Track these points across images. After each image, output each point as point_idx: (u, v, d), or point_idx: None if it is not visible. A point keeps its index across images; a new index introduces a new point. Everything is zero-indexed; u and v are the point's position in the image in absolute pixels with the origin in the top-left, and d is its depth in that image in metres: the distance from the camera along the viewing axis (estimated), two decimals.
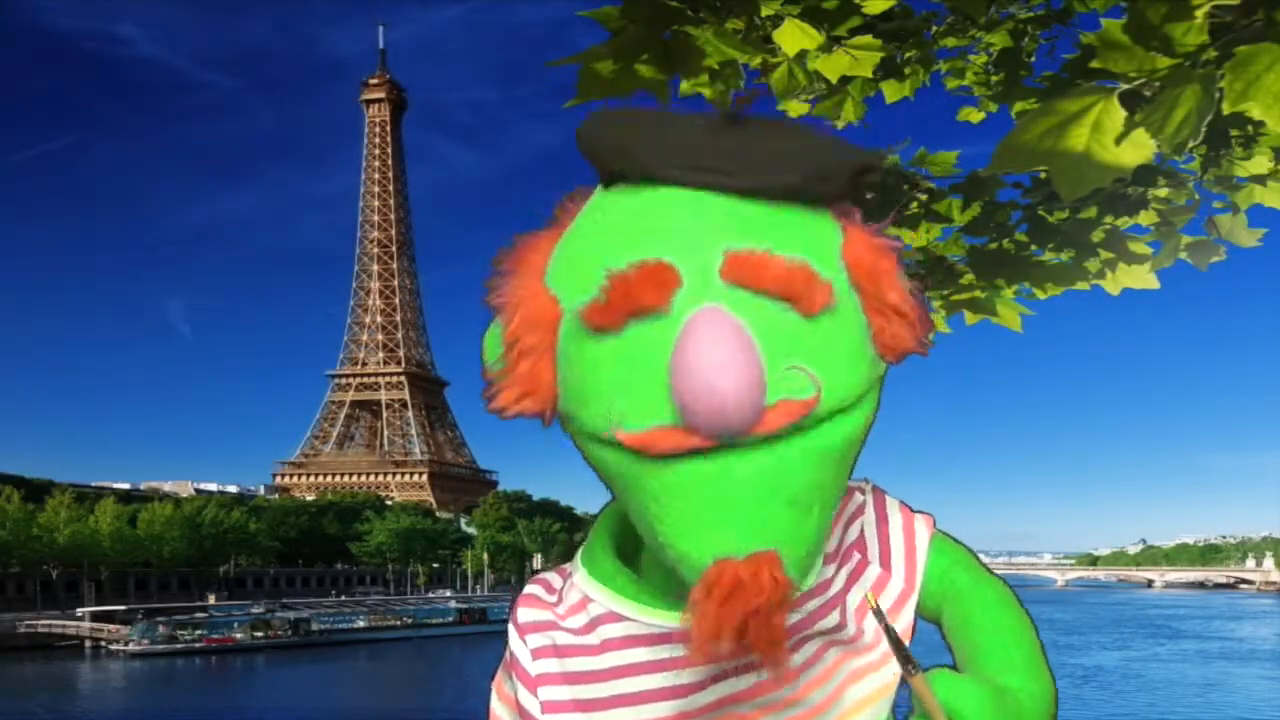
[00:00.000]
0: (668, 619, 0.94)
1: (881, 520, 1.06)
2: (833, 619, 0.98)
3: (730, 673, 0.95)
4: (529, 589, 1.08)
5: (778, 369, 0.79)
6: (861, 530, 1.05)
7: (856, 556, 1.04)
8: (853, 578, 1.02)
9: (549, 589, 1.07)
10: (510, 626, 1.05)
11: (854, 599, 1.01)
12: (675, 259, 0.81)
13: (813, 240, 0.84)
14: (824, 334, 0.83)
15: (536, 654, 1.01)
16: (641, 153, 0.85)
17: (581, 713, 0.98)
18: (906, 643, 1.02)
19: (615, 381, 0.83)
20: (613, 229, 0.86)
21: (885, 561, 1.04)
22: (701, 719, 0.97)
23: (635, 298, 0.80)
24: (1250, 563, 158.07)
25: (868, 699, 1.01)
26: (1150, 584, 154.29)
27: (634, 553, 1.02)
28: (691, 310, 0.79)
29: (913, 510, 1.09)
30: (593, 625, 1.00)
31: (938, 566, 1.05)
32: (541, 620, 1.03)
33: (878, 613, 0.91)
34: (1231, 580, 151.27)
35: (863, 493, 1.07)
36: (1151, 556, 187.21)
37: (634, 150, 0.85)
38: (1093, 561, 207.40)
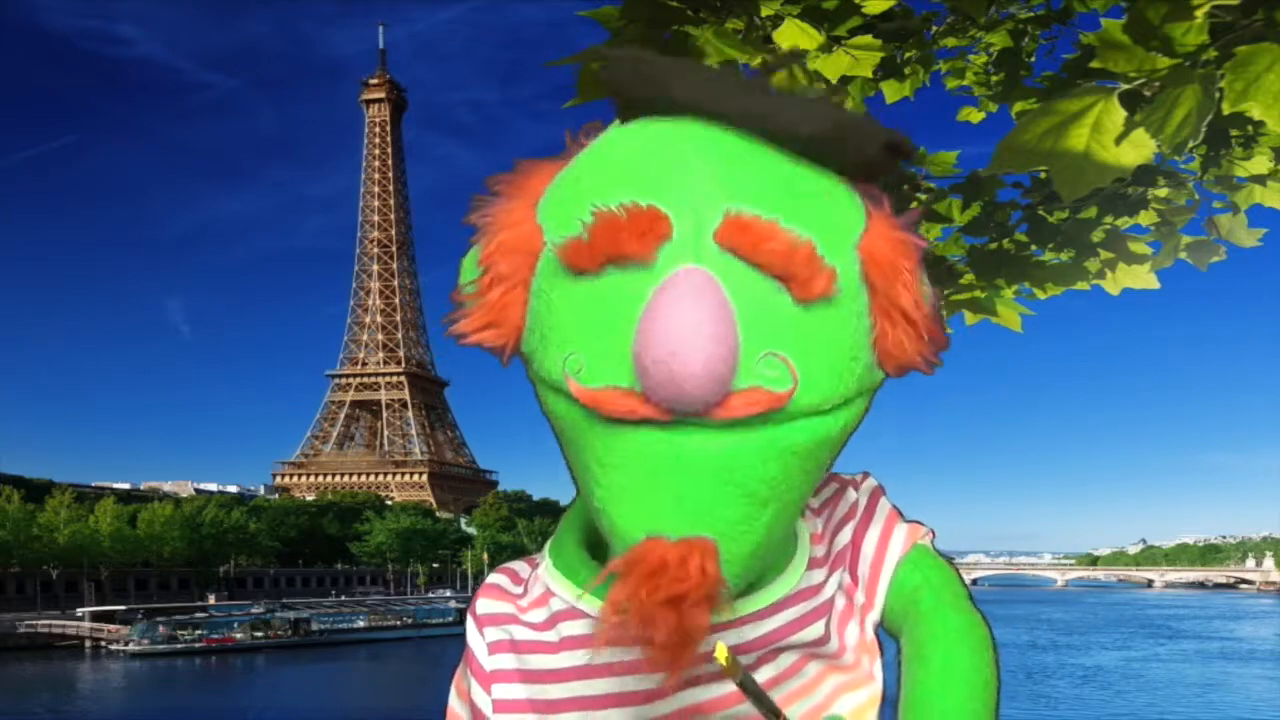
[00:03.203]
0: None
1: (864, 525, 0.98)
2: (816, 629, 0.91)
3: (694, 682, 0.87)
4: (492, 578, 1.00)
5: (755, 353, 0.72)
6: (850, 535, 0.97)
7: (844, 563, 0.96)
8: (840, 586, 0.95)
9: (515, 579, 0.99)
10: (469, 618, 0.97)
11: (839, 608, 0.94)
12: (670, 208, 0.72)
13: (829, 219, 0.76)
14: (816, 325, 0.74)
15: (493, 648, 0.93)
16: (667, 76, 0.77)
17: (536, 713, 0.90)
18: (875, 660, 0.95)
19: (581, 328, 0.75)
20: (612, 165, 0.78)
21: (853, 570, 0.96)
22: None
23: (618, 243, 0.72)
24: (1250, 563, 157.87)
25: (859, 710, 0.94)
26: (1150, 584, 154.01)
27: (603, 544, 0.92)
28: (674, 268, 0.71)
29: (903, 519, 1.00)
30: (553, 621, 0.92)
31: (907, 583, 0.95)
32: (501, 613, 0.95)
33: (733, 665, 0.78)
34: (1231, 580, 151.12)
35: (856, 489, 1.00)
36: (1151, 556, 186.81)
37: (660, 74, 0.77)
38: (1093, 561, 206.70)
